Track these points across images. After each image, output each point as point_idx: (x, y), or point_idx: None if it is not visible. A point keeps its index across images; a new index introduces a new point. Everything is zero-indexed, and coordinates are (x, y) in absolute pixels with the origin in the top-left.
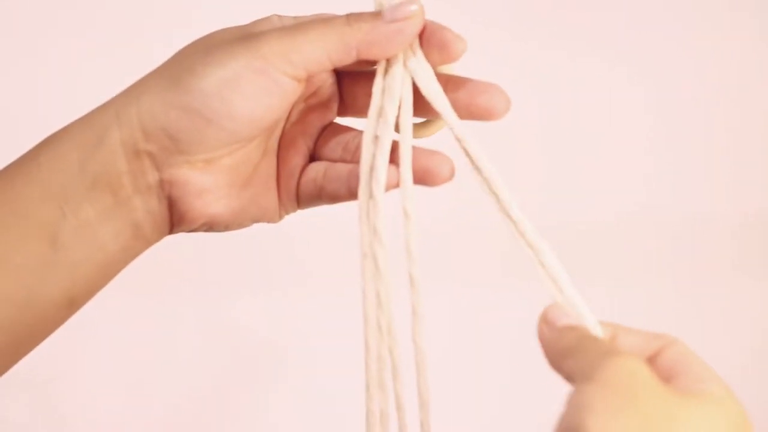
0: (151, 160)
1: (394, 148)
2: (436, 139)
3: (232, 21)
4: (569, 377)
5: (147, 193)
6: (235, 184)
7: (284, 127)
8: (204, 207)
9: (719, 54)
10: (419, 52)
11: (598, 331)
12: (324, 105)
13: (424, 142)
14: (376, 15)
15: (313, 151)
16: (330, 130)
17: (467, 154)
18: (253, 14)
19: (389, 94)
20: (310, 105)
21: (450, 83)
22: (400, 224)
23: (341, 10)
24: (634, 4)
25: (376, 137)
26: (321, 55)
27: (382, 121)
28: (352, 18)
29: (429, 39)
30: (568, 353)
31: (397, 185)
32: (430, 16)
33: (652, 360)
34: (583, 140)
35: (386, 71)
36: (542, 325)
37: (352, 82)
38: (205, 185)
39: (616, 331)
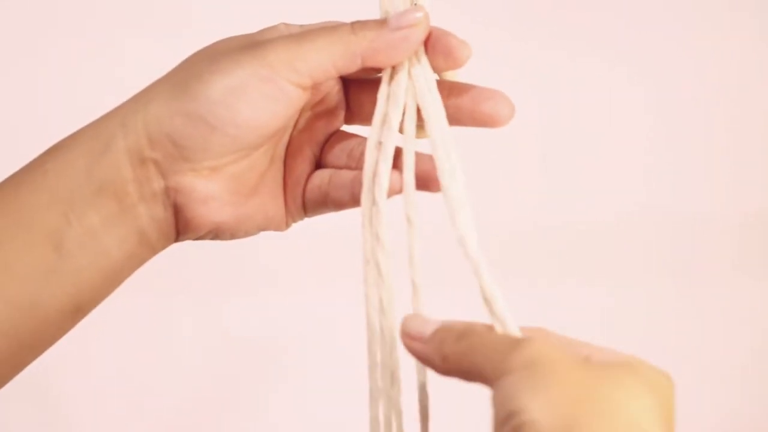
0: (157, 168)
1: (398, 154)
2: None
3: (231, 20)
4: (476, 378)
5: (152, 200)
6: (241, 191)
7: (291, 135)
8: (209, 214)
9: (719, 54)
10: (424, 59)
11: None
12: (330, 113)
13: (426, 148)
14: (381, 23)
15: (319, 158)
16: (336, 137)
17: (437, 166)
18: (252, 15)
19: (393, 100)
20: (316, 113)
21: (454, 90)
22: (402, 230)
23: (347, 17)
24: (634, 3)
25: (380, 144)
26: (326, 63)
27: (386, 127)
28: (357, 26)
29: (434, 45)
30: (468, 356)
31: (400, 191)
32: (431, 16)
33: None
34: (583, 140)
35: (391, 78)
36: (409, 341)
37: (359, 90)
38: (211, 193)
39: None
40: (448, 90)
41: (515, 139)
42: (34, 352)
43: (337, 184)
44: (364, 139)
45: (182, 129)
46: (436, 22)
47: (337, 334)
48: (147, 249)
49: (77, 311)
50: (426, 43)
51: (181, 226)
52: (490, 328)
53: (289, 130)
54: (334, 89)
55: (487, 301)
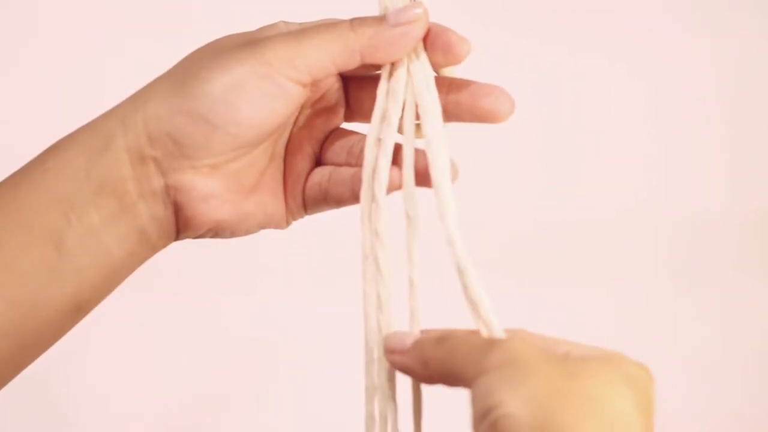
0: (157, 166)
1: (398, 150)
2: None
3: (230, 18)
4: (456, 380)
5: (152, 198)
6: (241, 189)
7: (291, 132)
8: (209, 212)
9: (719, 52)
10: (423, 56)
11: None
12: (330, 110)
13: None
14: (380, 19)
15: (319, 155)
16: (335, 134)
17: (429, 162)
18: (252, 14)
19: (393, 97)
20: (316, 110)
21: (453, 85)
22: (401, 227)
23: (346, 13)
24: (634, 1)
25: (379, 140)
26: (326, 60)
27: (385, 124)
28: (356, 22)
29: (433, 42)
30: (447, 359)
31: (399, 187)
32: (431, 15)
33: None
34: (583, 138)
35: (390, 74)
36: (393, 356)
37: (358, 87)
38: (211, 190)
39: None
40: (447, 86)
41: (515, 136)
42: (35, 351)
43: (337, 181)
44: (364, 136)
45: (182, 127)
46: (436, 20)
47: (335, 333)
48: (147, 247)
49: (78, 310)
50: (425, 39)
51: (182, 224)
52: (469, 332)
53: (289, 128)
54: (333, 86)
55: (472, 304)
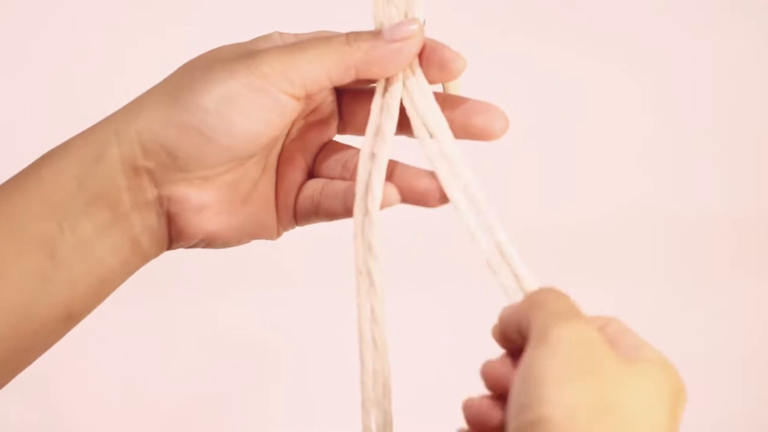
0: (150, 177)
1: (392, 166)
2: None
3: (226, 27)
4: (524, 336)
5: (145, 209)
6: (233, 200)
7: (284, 144)
8: (202, 223)
9: (718, 52)
10: (418, 71)
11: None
12: (324, 122)
13: (423, 163)
14: (376, 34)
15: (312, 168)
16: (329, 147)
17: (457, 178)
18: (248, 23)
19: (387, 112)
20: (309, 122)
21: (447, 102)
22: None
23: (342, 27)
24: (631, 2)
25: (373, 155)
26: (320, 74)
27: (379, 138)
28: (351, 37)
29: (428, 57)
30: (523, 317)
31: (393, 203)
32: (428, 14)
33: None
34: (582, 138)
35: (385, 89)
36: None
37: (352, 100)
38: (204, 202)
39: None
40: (440, 103)
41: (514, 137)
42: (28, 358)
43: (330, 194)
44: (359, 150)
45: (176, 139)
46: (433, 20)
47: (334, 335)
48: (140, 257)
49: (70, 318)
50: (420, 54)
51: (174, 234)
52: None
53: (282, 140)
54: (327, 99)
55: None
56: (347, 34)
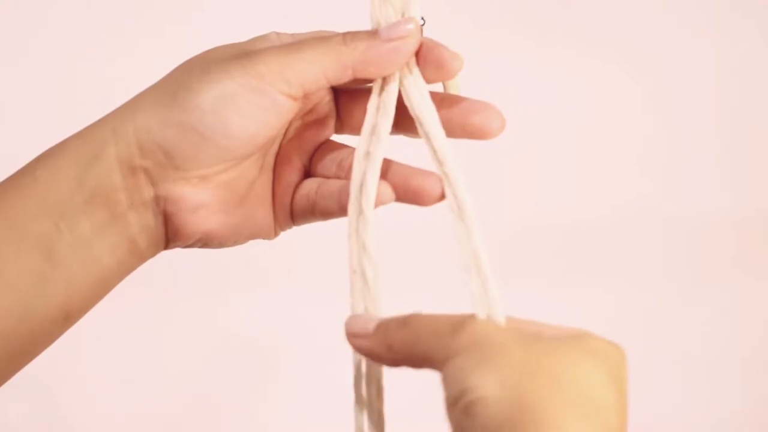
0: (147, 176)
1: (387, 165)
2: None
3: (223, 27)
4: (424, 363)
5: (142, 208)
6: (230, 200)
7: (281, 144)
8: (199, 223)
9: (718, 52)
10: (416, 70)
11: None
12: (321, 122)
13: (418, 162)
14: (373, 34)
15: (309, 167)
16: (325, 146)
17: (445, 177)
18: (245, 23)
19: (384, 111)
20: (306, 122)
21: (444, 102)
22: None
23: (339, 26)
24: (631, 2)
25: (368, 153)
26: (317, 73)
27: (374, 138)
28: (348, 37)
29: (425, 57)
30: (414, 342)
31: (387, 202)
32: (427, 14)
33: None
34: (582, 139)
35: (382, 89)
36: (355, 340)
37: (349, 100)
38: (201, 201)
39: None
40: (438, 102)
41: (513, 137)
42: (25, 358)
43: (325, 194)
44: (354, 149)
45: (173, 139)
46: (433, 22)
47: (331, 335)
48: (137, 256)
49: (67, 318)
50: (417, 54)
51: (171, 234)
52: (433, 314)
53: (279, 139)
54: (324, 99)
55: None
56: (344, 34)
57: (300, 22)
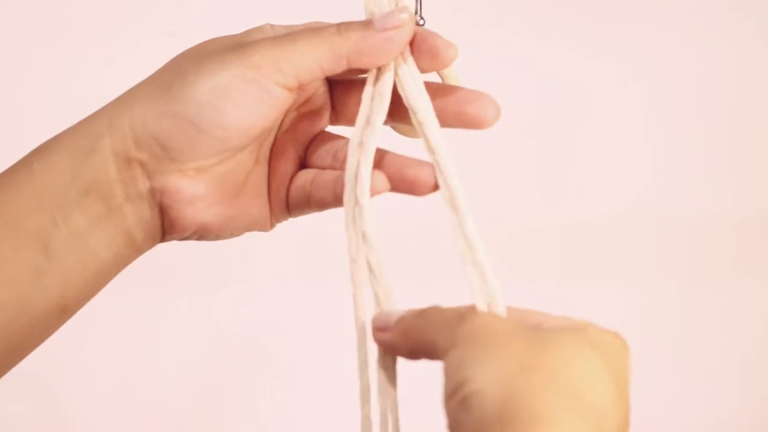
0: (142, 169)
1: (382, 155)
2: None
3: (219, 19)
4: (432, 353)
5: (138, 201)
6: (226, 192)
7: (276, 135)
8: (195, 215)
9: (718, 52)
10: (410, 60)
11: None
12: (316, 113)
13: (412, 152)
14: (367, 24)
15: (304, 159)
16: (320, 137)
17: (437, 167)
18: (240, 15)
19: (378, 101)
20: (302, 113)
21: (440, 91)
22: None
23: (334, 17)
24: (631, 2)
25: (362, 143)
26: (312, 64)
27: (369, 128)
28: (342, 27)
29: (419, 46)
30: (424, 330)
31: (383, 191)
32: (428, 15)
33: None
34: (582, 139)
35: (377, 79)
36: (379, 334)
37: (344, 91)
38: (197, 193)
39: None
40: (433, 91)
41: (515, 137)
42: (21, 353)
43: (320, 184)
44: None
45: (168, 130)
46: (433, 22)
47: (329, 332)
48: (133, 249)
49: (64, 312)
50: (411, 43)
51: (167, 226)
52: (448, 307)
53: (275, 131)
54: (319, 90)
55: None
56: (338, 25)
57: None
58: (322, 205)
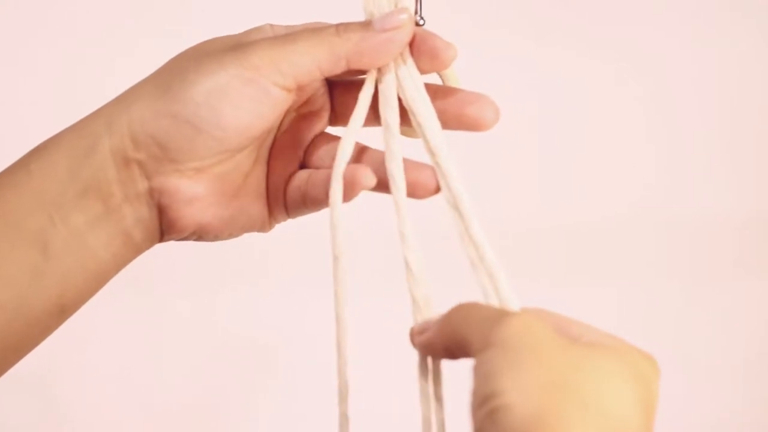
0: (141, 168)
1: (382, 159)
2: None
3: (219, 19)
4: (465, 349)
5: (136, 201)
6: (225, 192)
7: (275, 136)
8: (194, 215)
9: (718, 52)
10: (410, 61)
11: None
12: (315, 114)
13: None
14: (366, 25)
15: (303, 160)
16: (320, 139)
17: (438, 169)
18: (240, 15)
19: (386, 104)
20: (301, 114)
21: (439, 93)
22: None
23: (334, 18)
24: (631, 2)
25: (390, 150)
26: (311, 65)
27: (388, 132)
28: (341, 28)
29: (419, 47)
30: (460, 324)
31: (367, 186)
32: (429, 15)
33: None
34: (582, 139)
35: (379, 81)
36: (417, 337)
37: (344, 92)
38: (195, 194)
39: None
40: (433, 93)
41: (516, 137)
42: (19, 353)
43: (315, 183)
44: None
45: (167, 131)
46: (433, 22)
47: (330, 333)
48: (132, 249)
49: (62, 312)
50: (411, 44)
51: (166, 226)
52: (487, 304)
53: (274, 132)
54: (319, 91)
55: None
56: (337, 25)
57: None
58: (316, 203)
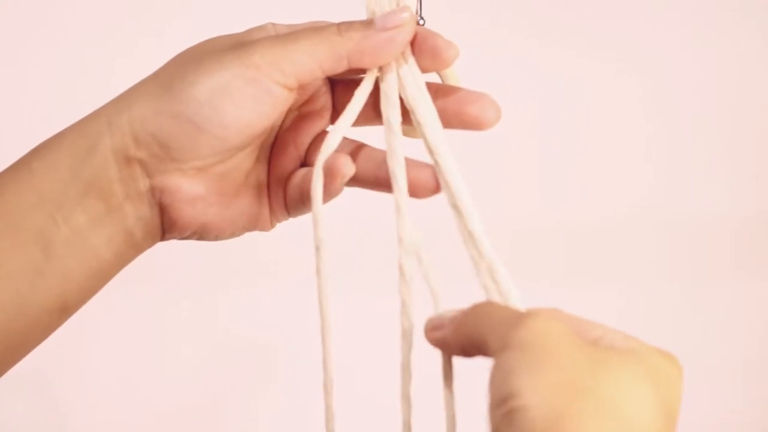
0: (142, 167)
1: (383, 158)
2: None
3: (221, 18)
4: (481, 348)
5: (138, 200)
6: (226, 191)
7: (277, 135)
8: (195, 214)
9: (718, 52)
10: (411, 60)
11: None
12: (317, 113)
13: (414, 154)
14: (368, 24)
15: (305, 159)
16: (322, 138)
17: (438, 168)
18: (243, 14)
19: (387, 103)
20: (303, 113)
21: (440, 92)
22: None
23: (335, 17)
24: (632, 2)
25: (392, 150)
26: (312, 64)
27: (390, 132)
28: (343, 27)
29: (420, 46)
30: (477, 324)
31: (347, 174)
32: (429, 15)
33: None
34: (583, 139)
35: (381, 79)
36: (432, 332)
37: (346, 91)
38: (196, 192)
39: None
40: (434, 92)
41: (516, 137)
42: (21, 352)
43: (311, 180)
44: (351, 140)
45: (168, 130)
46: (433, 22)
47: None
48: (133, 248)
49: (64, 311)
50: (412, 43)
51: (167, 225)
52: (505, 305)
53: (275, 131)
54: (320, 90)
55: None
56: (339, 24)
57: (298, 19)
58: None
